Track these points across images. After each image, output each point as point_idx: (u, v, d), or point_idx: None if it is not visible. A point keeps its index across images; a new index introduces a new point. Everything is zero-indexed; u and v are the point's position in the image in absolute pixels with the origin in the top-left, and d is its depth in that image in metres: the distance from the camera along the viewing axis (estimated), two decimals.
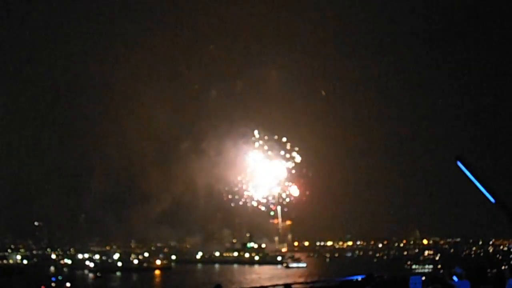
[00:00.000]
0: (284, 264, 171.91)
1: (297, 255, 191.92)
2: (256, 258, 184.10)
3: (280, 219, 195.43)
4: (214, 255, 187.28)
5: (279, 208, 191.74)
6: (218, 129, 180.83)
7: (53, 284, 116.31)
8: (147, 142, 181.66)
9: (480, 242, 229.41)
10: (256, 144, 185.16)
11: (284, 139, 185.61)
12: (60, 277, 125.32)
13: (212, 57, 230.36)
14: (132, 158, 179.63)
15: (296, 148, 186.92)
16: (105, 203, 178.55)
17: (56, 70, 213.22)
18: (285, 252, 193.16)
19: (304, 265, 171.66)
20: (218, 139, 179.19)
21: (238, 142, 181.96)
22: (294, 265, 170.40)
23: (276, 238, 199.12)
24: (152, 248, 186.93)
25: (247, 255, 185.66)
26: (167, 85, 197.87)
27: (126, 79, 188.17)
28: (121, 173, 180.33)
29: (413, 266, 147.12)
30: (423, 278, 18.48)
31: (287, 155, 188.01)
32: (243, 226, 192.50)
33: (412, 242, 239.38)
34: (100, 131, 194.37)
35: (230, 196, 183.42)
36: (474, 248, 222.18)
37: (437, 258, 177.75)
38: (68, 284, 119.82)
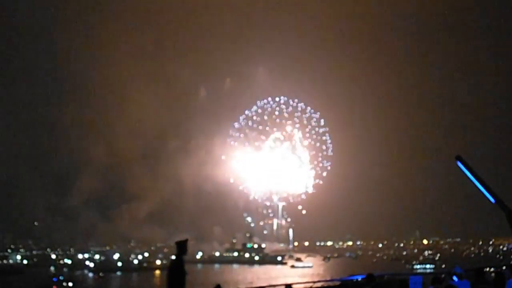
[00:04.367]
0: (290, 264, 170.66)
1: (297, 255, 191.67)
2: (256, 258, 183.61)
3: (278, 219, 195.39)
4: (214, 255, 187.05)
5: (276, 207, 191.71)
6: (206, 128, 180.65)
7: (64, 284, 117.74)
8: (135, 141, 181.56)
9: (480, 242, 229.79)
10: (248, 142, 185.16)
11: (279, 137, 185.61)
12: (61, 277, 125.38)
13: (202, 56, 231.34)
14: (120, 157, 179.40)
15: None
16: (93, 203, 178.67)
17: (44, 70, 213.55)
18: (284, 251, 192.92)
19: (310, 264, 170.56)
20: (206, 138, 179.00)
21: (227, 140, 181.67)
22: (300, 265, 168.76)
23: (274, 238, 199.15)
24: (152, 248, 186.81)
25: (247, 255, 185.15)
26: (156, 84, 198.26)
27: (114, 78, 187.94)
28: (109, 172, 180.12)
29: (415, 266, 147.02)
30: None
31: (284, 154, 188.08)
32: (239, 226, 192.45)
33: (412, 242, 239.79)
34: (88, 131, 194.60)
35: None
36: (473, 248, 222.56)
37: (436, 258, 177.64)
38: (70, 284, 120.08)
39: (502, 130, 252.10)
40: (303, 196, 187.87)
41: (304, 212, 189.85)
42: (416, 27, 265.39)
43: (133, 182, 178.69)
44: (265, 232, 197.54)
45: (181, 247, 12.57)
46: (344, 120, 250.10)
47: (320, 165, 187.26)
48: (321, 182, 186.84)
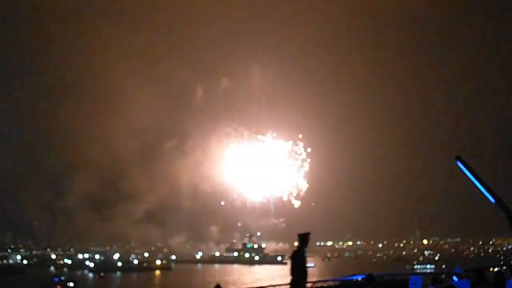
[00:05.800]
0: None
1: None
2: (256, 258, 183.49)
3: (277, 218, 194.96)
4: (214, 255, 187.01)
5: (275, 207, 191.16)
6: (202, 128, 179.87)
7: (70, 284, 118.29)
8: (132, 141, 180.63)
9: (480, 242, 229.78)
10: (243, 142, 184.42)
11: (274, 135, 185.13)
12: (62, 277, 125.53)
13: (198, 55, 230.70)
14: (116, 157, 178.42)
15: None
16: (91, 202, 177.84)
17: (40, 69, 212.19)
18: (284, 251, 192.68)
19: (312, 265, 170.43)
20: (203, 137, 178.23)
21: (223, 140, 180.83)
22: None
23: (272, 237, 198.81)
24: (152, 248, 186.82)
25: (247, 255, 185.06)
26: (152, 84, 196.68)
27: (110, 77, 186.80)
28: (105, 172, 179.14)
29: (415, 266, 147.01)
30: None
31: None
32: (237, 226, 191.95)
33: (412, 242, 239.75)
34: (84, 130, 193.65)
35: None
36: (472, 248, 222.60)
37: (436, 258, 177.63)
38: (71, 284, 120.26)
39: (502, 130, 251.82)
40: (303, 196, 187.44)
41: (303, 211, 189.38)
42: (415, 26, 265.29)
43: (129, 182, 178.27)
44: (264, 232, 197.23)
45: (303, 239, 14.02)
46: (344, 119, 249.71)
47: (320, 164, 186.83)
48: (321, 182, 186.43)
